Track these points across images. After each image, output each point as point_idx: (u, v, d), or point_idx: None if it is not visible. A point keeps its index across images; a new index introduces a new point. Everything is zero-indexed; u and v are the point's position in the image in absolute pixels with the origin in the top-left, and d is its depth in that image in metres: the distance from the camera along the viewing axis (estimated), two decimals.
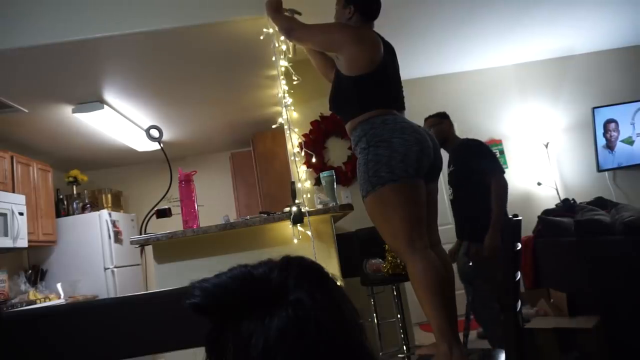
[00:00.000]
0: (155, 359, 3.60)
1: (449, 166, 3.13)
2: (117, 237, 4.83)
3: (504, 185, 2.90)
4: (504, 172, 3.01)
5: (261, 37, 2.80)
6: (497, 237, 2.74)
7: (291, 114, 2.92)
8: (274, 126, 3.57)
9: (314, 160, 3.70)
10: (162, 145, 2.78)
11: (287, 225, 2.56)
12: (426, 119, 3.24)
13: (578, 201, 3.51)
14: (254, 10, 2.74)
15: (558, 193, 4.87)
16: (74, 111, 3.79)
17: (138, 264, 5.10)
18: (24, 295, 4.08)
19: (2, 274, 4.01)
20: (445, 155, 2.72)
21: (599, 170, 5.00)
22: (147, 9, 2.79)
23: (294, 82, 2.87)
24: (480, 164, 2.93)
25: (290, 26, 2.23)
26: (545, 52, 5.06)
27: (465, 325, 2.99)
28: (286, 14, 2.37)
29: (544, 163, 5.03)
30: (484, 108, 5.11)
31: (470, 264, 2.88)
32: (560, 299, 3.08)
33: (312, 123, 3.89)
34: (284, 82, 2.94)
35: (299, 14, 2.41)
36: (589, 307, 2.88)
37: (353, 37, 2.00)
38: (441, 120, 3.18)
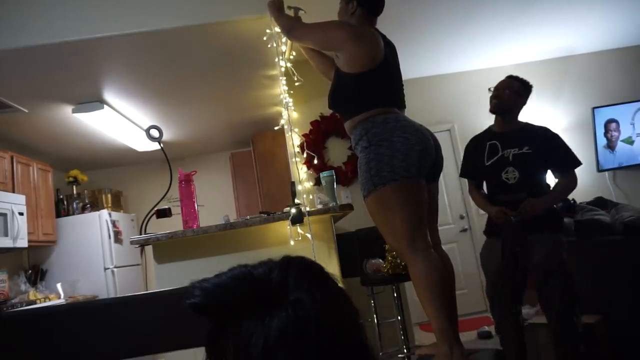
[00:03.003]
0: (155, 359, 3.60)
1: (520, 147, 2.62)
2: (117, 237, 4.83)
3: (575, 182, 2.63)
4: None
5: (264, 38, 2.80)
6: (546, 205, 2.49)
7: (291, 115, 2.92)
8: (276, 128, 3.57)
9: (315, 162, 3.70)
10: (162, 145, 2.78)
11: (287, 226, 2.56)
12: (510, 79, 2.85)
13: (578, 201, 3.51)
14: (254, 10, 2.74)
15: None
16: (74, 111, 3.80)
17: (138, 264, 5.10)
18: (24, 295, 4.08)
19: (2, 274, 4.01)
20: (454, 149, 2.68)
21: (599, 170, 5.00)
22: (147, 9, 2.79)
23: (297, 84, 2.86)
24: (565, 154, 2.62)
25: (291, 25, 2.23)
26: (545, 52, 5.06)
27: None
28: (290, 11, 2.38)
29: None
30: (484, 108, 5.09)
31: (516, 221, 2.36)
32: None
33: (312, 123, 3.89)
34: (284, 82, 2.94)
35: (303, 11, 2.41)
36: (589, 307, 2.88)
37: (352, 34, 2.00)
38: (525, 94, 2.82)
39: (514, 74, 3.09)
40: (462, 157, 2.90)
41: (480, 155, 2.68)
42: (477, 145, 2.74)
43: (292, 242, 2.53)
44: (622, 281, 2.73)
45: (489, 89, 2.85)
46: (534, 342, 2.77)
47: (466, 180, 2.87)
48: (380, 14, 2.17)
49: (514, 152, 2.63)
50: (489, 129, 2.83)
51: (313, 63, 2.39)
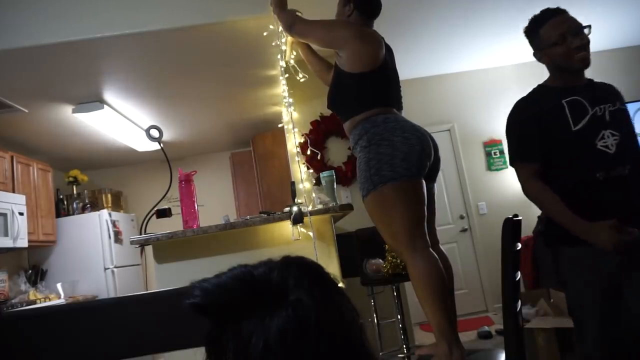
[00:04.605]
0: (155, 359, 3.60)
1: (613, 102, 1.88)
2: (117, 237, 4.83)
3: None
4: None
5: (265, 34, 2.79)
6: None
7: (291, 114, 2.92)
8: (280, 125, 3.58)
9: (319, 157, 3.70)
10: (162, 145, 2.78)
11: (287, 225, 2.56)
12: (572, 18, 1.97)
13: None
14: (254, 10, 2.74)
15: None
16: (74, 111, 3.80)
17: (138, 264, 5.10)
18: (24, 295, 4.08)
19: (2, 274, 4.01)
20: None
21: None
22: (147, 9, 2.79)
23: (301, 80, 2.84)
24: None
25: (293, 21, 2.23)
26: None
27: None
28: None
29: None
30: (483, 108, 5.11)
31: None
32: (560, 299, 3.07)
33: (312, 123, 3.89)
34: (284, 82, 2.93)
35: (300, 13, 2.41)
36: None
37: (356, 34, 2.00)
38: None
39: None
40: (507, 139, 1.88)
41: (555, 119, 1.77)
42: (539, 108, 1.83)
43: (293, 239, 2.53)
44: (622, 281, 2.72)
45: (559, 38, 1.99)
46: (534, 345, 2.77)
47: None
48: (377, 17, 2.17)
49: (610, 108, 1.83)
50: (545, 85, 1.97)
51: (308, 63, 2.39)
